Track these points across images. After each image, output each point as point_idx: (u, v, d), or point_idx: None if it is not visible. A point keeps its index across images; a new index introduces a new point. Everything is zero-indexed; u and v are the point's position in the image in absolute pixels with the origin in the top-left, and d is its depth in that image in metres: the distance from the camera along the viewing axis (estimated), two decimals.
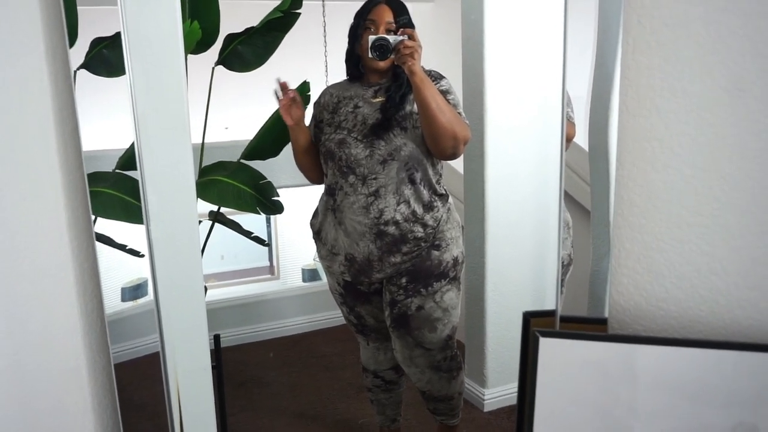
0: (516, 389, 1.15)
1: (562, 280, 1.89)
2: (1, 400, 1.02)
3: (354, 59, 1.82)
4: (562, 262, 1.86)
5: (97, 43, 2.01)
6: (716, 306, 0.96)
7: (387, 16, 1.74)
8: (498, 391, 2.52)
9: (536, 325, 1.04)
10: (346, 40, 1.84)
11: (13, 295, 1.01)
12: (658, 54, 0.92)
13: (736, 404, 0.95)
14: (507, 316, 2.48)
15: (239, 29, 2.27)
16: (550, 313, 1.08)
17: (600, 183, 1.26)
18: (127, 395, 1.28)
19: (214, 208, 2.42)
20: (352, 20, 1.81)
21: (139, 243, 1.93)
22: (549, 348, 0.98)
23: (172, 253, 1.34)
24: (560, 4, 2.24)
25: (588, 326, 1.08)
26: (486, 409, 2.51)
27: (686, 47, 0.89)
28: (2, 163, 0.99)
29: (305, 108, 2.18)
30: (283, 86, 1.78)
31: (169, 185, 1.33)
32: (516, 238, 2.42)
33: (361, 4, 1.80)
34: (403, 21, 1.74)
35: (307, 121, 1.95)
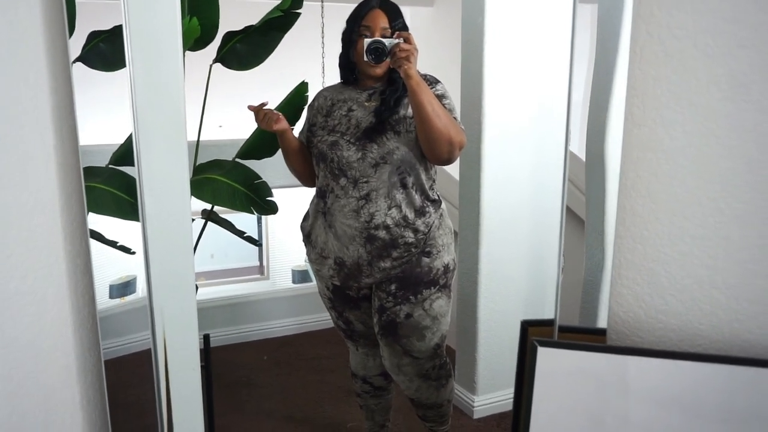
0: (506, 397, 1.14)
1: None
2: None
3: (349, 65, 1.80)
4: None
5: (94, 37, 1.98)
6: (716, 319, 0.96)
7: (382, 21, 1.70)
8: (488, 398, 2.51)
9: (534, 335, 1.04)
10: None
11: (4, 290, 0.99)
12: (665, 64, 0.91)
13: (730, 419, 0.95)
14: (499, 322, 2.47)
15: (238, 27, 2.26)
16: (548, 323, 1.08)
17: (596, 192, 1.26)
18: (113, 393, 1.26)
19: (207, 206, 2.40)
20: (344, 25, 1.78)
21: (129, 239, 1.91)
22: (547, 357, 0.97)
23: (165, 251, 1.32)
24: (560, 9, 2.24)
25: (586, 336, 1.08)
26: (476, 416, 2.50)
27: (694, 58, 0.89)
28: None
29: (303, 109, 2.17)
30: (256, 109, 1.80)
31: (164, 182, 1.31)
32: (510, 244, 2.42)
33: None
34: (398, 25, 1.71)
35: (300, 124, 1.94)
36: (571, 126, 1.68)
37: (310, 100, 1.93)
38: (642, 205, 0.97)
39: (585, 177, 1.32)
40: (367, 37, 1.68)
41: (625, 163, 0.97)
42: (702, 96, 0.90)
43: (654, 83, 0.93)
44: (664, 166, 0.94)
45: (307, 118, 1.89)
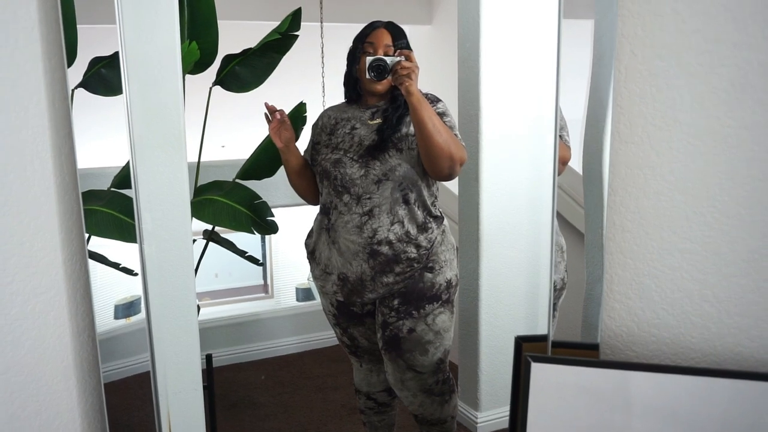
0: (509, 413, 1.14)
1: (555, 305, 1.89)
2: None
3: (352, 82, 1.84)
4: (555, 286, 1.86)
5: (96, 62, 2.01)
6: (707, 333, 0.96)
7: (385, 39, 1.76)
8: (491, 414, 2.51)
9: (528, 350, 1.05)
10: (345, 62, 1.85)
11: (5, 315, 1.01)
12: (650, 83, 0.93)
13: None
14: (501, 338, 2.47)
15: (237, 50, 2.29)
16: (542, 338, 1.09)
17: (594, 207, 1.27)
18: (116, 416, 1.27)
19: (209, 226, 2.42)
20: (350, 43, 1.83)
21: (134, 261, 1.93)
22: (541, 373, 0.98)
23: (165, 273, 1.34)
24: (555, 25, 2.26)
25: (580, 351, 1.08)
26: None
27: (678, 77, 0.91)
28: None
29: (301, 129, 2.20)
30: (271, 109, 1.80)
31: (163, 204, 1.33)
32: (510, 260, 2.42)
33: (358, 26, 1.82)
34: (401, 45, 1.76)
35: (304, 143, 1.96)
36: (565, 142, 1.69)
37: (314, 120, 1.96)
38: (631, 221, 0.98)
39: (583, 192, 1.33)
40: (370, 54, 1.74)
41: (613, 180, 0.99)
42: (686, 114, 0.91)
43: (639, 101, 0.94)
44: (651, 182, 0.95)
45: (311, 137, 1.92)
